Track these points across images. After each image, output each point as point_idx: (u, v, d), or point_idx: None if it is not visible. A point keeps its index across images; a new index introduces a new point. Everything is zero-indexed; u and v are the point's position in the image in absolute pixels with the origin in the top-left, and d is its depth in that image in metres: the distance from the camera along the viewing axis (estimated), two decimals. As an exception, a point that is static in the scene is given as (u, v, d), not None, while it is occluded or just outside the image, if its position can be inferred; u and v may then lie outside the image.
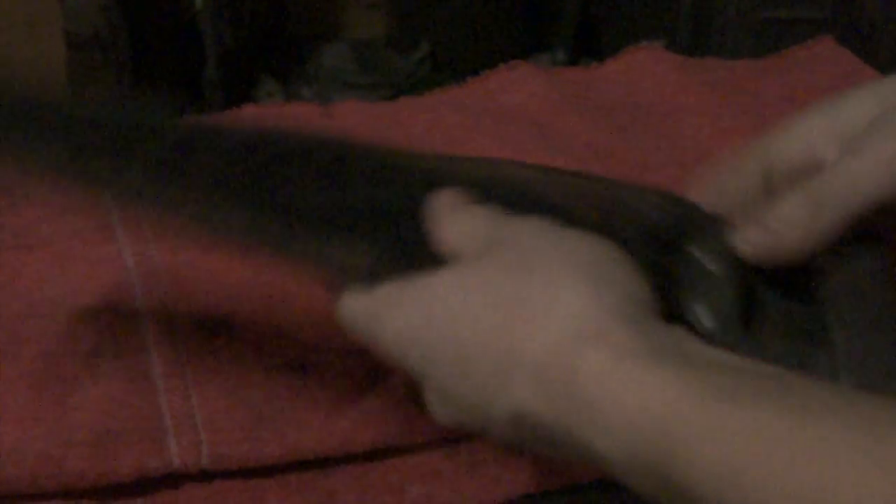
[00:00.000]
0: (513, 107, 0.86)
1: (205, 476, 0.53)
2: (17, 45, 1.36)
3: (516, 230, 0.45)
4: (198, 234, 0.51)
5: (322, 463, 0.54)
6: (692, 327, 0.45)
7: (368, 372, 0.56)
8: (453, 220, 0.46)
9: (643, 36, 1.02)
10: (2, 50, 1.42)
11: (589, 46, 2.06)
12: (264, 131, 0.53)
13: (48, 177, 0.50)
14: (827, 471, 0.34)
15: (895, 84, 0.47)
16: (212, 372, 0.57)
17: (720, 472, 0.36)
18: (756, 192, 0.49)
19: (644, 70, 0.93)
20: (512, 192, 0.49)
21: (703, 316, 0.45)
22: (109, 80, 1.54)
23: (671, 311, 0.45)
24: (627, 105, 0.88)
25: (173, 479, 0.52)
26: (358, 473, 0.52)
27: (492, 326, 0.42)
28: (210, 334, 0.59)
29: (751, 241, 0.46)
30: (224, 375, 0.57)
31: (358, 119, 0.84)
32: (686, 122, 0.86)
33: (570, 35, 2.05)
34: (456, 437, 0.54)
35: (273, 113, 0.85)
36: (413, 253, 0.48)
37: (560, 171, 0.53)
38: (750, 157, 0.50)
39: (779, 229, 0.46)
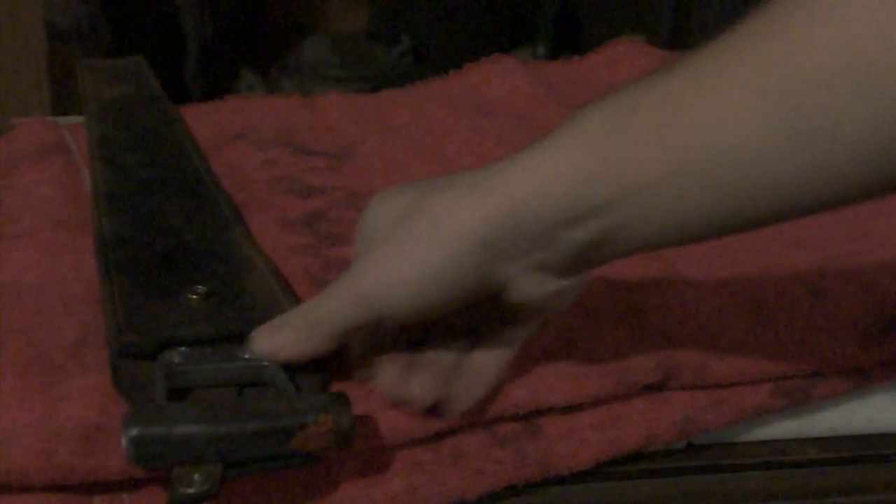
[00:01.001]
0: (495, 99, 0.87)
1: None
2: (-1, 37, 1.36)
3: None
4: None
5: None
6: None
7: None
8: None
9: (623, 30, 1.03)
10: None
11: (569, 40, 2.06)
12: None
13: None
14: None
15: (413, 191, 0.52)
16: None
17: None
18: None
19: (625, 63, 0.93)
20: None
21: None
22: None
23: None
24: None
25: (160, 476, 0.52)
26: (341, 466, 0.52)
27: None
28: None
29: (263, 345, 0.53)
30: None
31: (341, 111, 0.84)
32: (667, 116, 0.86)
33: (550, 29, 2.06)
34: (440, 431, 0.54)
35: (257, 104, 0.85)
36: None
37: None
38: None
39: (283, 344, 0.52)
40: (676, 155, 0.46)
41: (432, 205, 0.50)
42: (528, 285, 0.51)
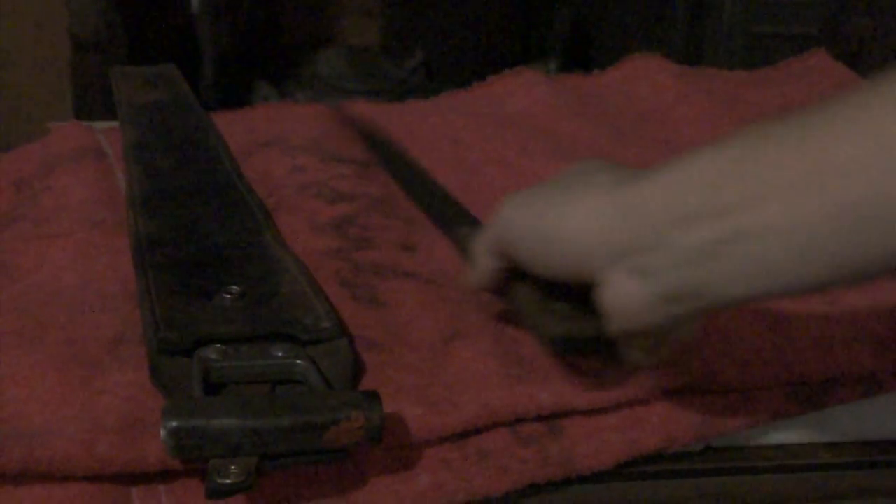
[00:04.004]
0: (518, 111, 0.88)
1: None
2: (24, 46, 1.37)
3: None
4: None
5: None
6: None
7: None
8: None
9: (634, 46, 1.04)
10: (10, 50, 1.43)
11: (580, 56, 2.07)
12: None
13: None
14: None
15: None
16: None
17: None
18: None
19: (644, 78, 0.95)
20: None
21: None
22: (108, 83, 1.55)
23: None
24: (628, 112, 0.90)
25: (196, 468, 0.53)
26: (369, 462, 0.53)
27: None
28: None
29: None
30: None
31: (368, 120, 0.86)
32: (685, 129, 0.88)
33: (562, 45, 2.06)
34: (464, 431, 0.55)
35: (287, 113, 0.86)
36: None
37: None
38: None
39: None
40: (810, 165, 0.44)
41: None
42: (618, 287, 0.50)
